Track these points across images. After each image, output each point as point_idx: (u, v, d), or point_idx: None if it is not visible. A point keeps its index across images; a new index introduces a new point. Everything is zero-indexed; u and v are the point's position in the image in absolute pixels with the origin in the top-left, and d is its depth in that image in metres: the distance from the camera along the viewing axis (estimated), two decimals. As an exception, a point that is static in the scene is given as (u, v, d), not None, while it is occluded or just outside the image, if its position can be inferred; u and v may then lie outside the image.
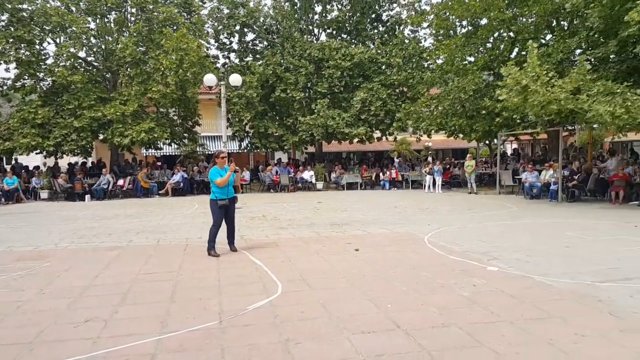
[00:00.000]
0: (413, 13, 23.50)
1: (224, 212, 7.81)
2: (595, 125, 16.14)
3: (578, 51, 16.39)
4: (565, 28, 17.51)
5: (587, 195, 15.71)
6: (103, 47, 22.67)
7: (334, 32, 26.81)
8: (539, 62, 13.85)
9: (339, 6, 26.35)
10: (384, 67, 24.70)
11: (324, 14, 26.58)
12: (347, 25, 26.37)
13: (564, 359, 3.69)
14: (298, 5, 26.36)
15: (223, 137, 16.17)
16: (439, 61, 22.63)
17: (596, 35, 15.67)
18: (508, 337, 4.12)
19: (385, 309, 4.94)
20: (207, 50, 24.96)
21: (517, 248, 7.95)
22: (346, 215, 12.81)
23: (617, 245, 8.06)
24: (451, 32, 21.17)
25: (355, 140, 24.99)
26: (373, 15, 26.30)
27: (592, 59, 15.25)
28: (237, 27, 25.62)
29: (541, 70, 13.60)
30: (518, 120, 17.55)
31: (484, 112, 18.84)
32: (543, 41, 18.13)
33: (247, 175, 22.77)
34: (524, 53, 16.79)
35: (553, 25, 17.98)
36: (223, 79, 16.43)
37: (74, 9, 22.13)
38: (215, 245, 7.84)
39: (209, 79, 15.55)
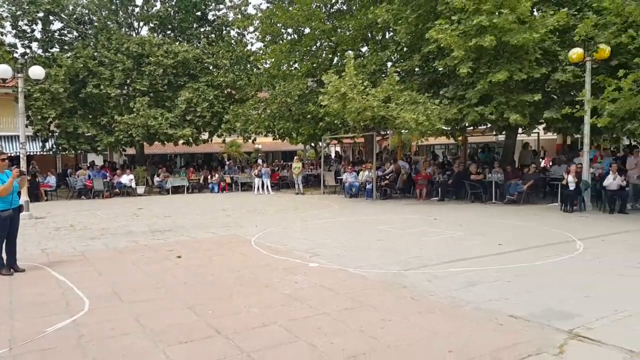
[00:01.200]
0: (239, 16, 23.64)
1: (8, 224, 6.73)
2: (403, 131, 18.21)
3: (389, 63, 18.32)
4: (378, 42, 19.42)
5: (397, 193, 17.64)
6: None
7: (157, 27, 25.51)
8: (355, 71, 15.10)
9: (162, 0, 25.18)
10: (211, 67, 24.32)
11: (145, 8, 25.11)
12: (172, 21, 25.34)
13: (372, 344, 4.03)
14: (115, -6, 24.47)
15: (21, 137, 14.14)
16: (266, 65, 23.18)
17: (404, 50, 17.69)
18: (324, 329, 4.35)
19: (206, 315, 4.81)
20: (2, 36, 21.60)
21: (337, 244, 8.51)
22: (170, 221, 12.24)
23: (420, 237, 9.18)
24: (278, 38, 21.87)
25: (181, 141, 24.11)
26: (199, 14, 25.74)
27: (400, 71, 17.17)
28: (41, 14, 22.69)
29: (357, 80, 14.84)
30: (339, 125, 18.87)
31: (309, 116, 19.84)
32: (362, 52, 19.83)
33: (52, 180, 20.26)
34: (343, 62, 18.14)
35: (368, 38, 19.78)
36: (22, 70, 14.35)
37: None
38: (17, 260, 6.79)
39: (3, 70, 13.51)
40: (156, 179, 22.29)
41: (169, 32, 25.74)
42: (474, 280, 5.98)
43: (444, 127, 16.10)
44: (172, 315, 4.86)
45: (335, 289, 5.62)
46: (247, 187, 22.41)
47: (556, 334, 4.19)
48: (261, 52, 23.19)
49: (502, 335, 4.20)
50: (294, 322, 4.56)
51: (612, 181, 12.30)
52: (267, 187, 20.51)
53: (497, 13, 12.44)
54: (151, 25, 25.45)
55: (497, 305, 5.02)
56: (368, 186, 17.12)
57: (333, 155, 31.98)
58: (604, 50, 11.90)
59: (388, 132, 22.90)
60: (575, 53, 12.20)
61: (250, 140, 25.29)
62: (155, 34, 24.68)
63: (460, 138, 20.30)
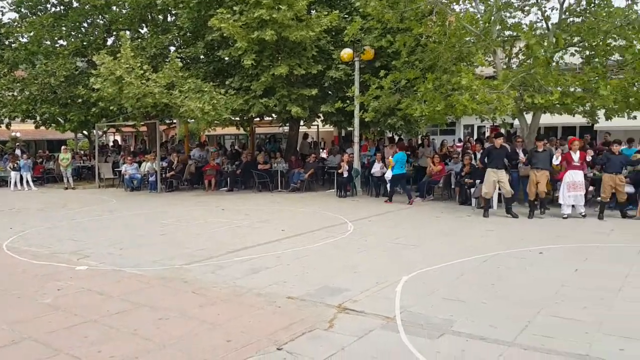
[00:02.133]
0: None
1: None
2: (190, 120, 17.77)
3: (172, 48, 17.60)
4: (159, 24, 18.44)
5: (185, 185, 17.19)
6: None
7: None
8: (132, 54, 14.09)
9: None
10: (-58, 37, 19.87)
11: None
12: None
13: (145, 345, 3.79)
14: None
15: None
16: (24, 39, 19.95)
17: (187, 35, 17.17)
18: (91, 337, 3.93)
19: None
20: None
21: (112, 242, 7.84)
22: None
23: (206, 228, 9.08)
24: (37, 9, 19.04)
25: None
26: None
27: (184, 57, 16.66)
28: None
29: (135, 63, 13.88)
30: (117, 111, 17.41)
31: (79, 100, 17.84)
32: (141, 33, 18.55)
33: None
34: (119, 43, 16.75)
35: (148, 19, 18.62)
36: None
37: None
38: None
39: None
40: None
41: None
42: (257, 267, 6.16)
43: (231, 117, 16.25)
44: None
45: (107, 292, 5.15)
46: (2, 182, 19.07)
47: (328, 310, 4.57)
48: (16, 24, 19.87)
49: (280, 317, 4.40)
50: (54, 334, 4.01)
51: (377, 169, 14.05)
52: (28, 181, 17.80)
53: (276, 8, 12.98)
54: None
55: (276, 289, 5.25)
56: (151, 178, 16.25)
57: (111, 144, 29.49)
58: (369, 52, 13.49)
59: (175, 120, 22.10)
60: (346, 53, 13.55)
61: (3, 126, 21.52)
62: None
63: (248, 129, 20.76)
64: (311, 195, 14.69)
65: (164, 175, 16.39)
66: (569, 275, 5.71)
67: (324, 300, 4.84)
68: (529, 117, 12.29)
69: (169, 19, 18.56)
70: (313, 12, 14.97)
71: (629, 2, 10.33)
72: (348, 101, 13.69)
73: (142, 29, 18.82)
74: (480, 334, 3.98)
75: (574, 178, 9.83)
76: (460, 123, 24.82)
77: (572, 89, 10.37)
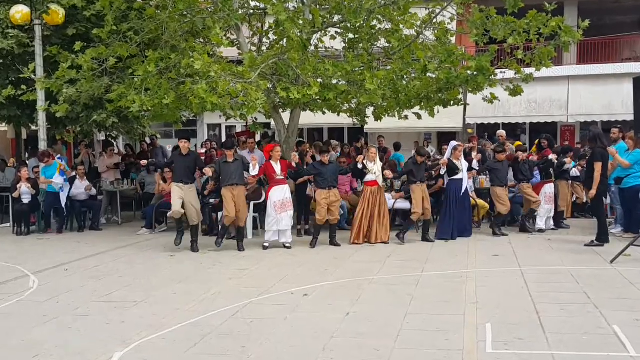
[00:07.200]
0: None
1: None
2: None
3: None
4: None
5: None
6: None
7: None
8: None
9: None
10: None
11: None
12: None
13: None
14: None
15: None
16: None
17: None
18: None
19: None
20: None
21: None
22: None
23: None
24: None
25: None
26: None
27: None
28: None
29: None
30: None
31: None
32: None
33: None
34: None
35: None
36: None
37: None
38: None
39: None
40: None
41: None
42: None
43: None
44: None
45: None
46: None
47: None
48: None
49: None
50: None
51: (81, 190, 13.22)
52: None
53: None
54: None
55: None
56: None
57: None
58: (57, 12, 12.56)
59: None
60: (20, 12, 12.50)
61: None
62: None
63: None
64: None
65: None
66: (340, 321, 6.16)
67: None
68: (286, 117, 13.04)
69: None
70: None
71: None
72: (25, 86, 12.57)
73: None
74: None
75: (282, 195, 10.57)
76: (204, 122, 25.24)
77: (334, 81, 11.31)
